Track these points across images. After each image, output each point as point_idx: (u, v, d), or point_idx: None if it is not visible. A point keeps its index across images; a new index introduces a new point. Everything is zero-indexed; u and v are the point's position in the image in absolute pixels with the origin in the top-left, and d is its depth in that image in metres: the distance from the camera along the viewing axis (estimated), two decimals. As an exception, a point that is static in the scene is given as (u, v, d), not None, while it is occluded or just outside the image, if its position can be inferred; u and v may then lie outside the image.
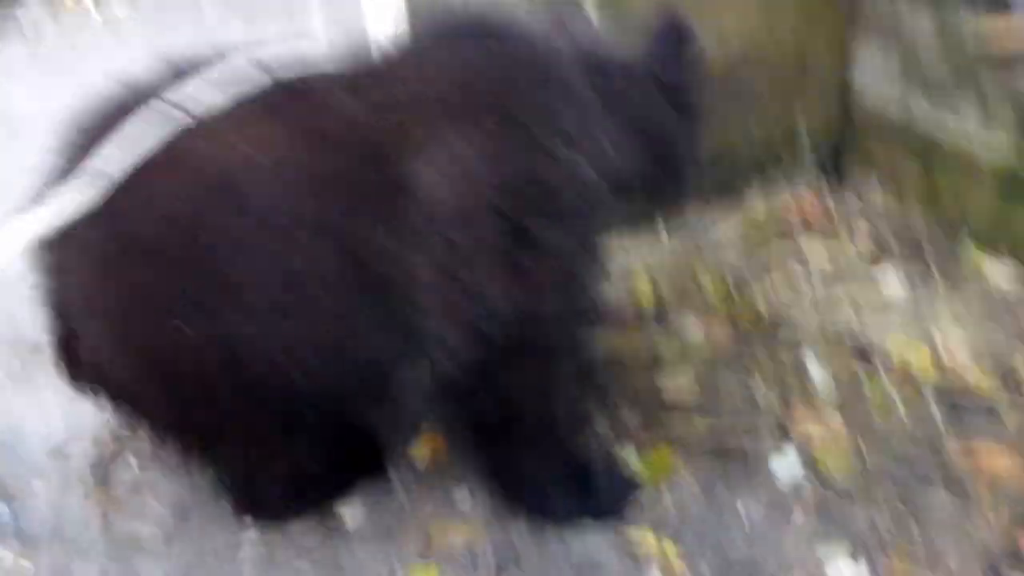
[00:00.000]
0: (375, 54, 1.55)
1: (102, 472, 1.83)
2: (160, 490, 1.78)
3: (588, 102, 1.53)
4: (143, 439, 1.85)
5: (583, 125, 1.49)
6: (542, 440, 1.61)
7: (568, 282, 1.50)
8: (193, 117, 1.35)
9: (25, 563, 1.66)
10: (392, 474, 1.78)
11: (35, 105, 3.60)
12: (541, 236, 1.42)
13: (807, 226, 2.38)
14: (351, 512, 1.72)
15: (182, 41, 4.08)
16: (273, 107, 1.39)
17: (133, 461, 1.84)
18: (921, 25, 2.23)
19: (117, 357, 1.43)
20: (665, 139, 1.69)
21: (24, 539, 1.70)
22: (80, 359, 1.51)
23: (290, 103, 1.40)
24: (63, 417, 1.95)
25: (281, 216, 1.32)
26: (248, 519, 1.70)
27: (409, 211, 1.35)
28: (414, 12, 3.18)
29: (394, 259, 1.36)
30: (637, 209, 2.13)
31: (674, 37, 1.75)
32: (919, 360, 1.94)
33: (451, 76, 1.45)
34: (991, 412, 1.82)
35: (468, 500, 1.72)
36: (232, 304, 1.33)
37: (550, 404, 1.59)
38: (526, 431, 1.58)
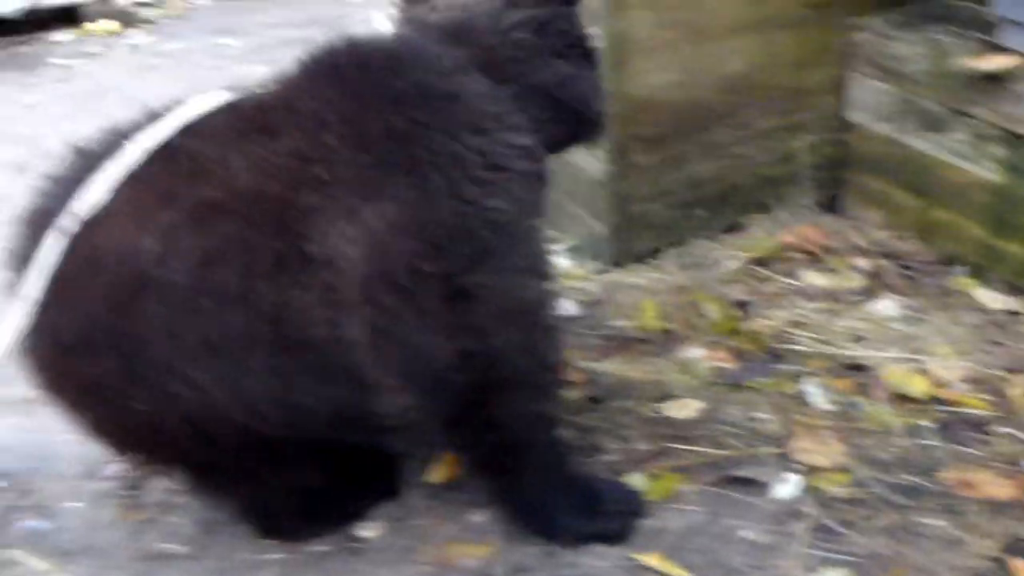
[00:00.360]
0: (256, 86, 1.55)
1: (132, 491, 1.91)
2: (187, 508, 1.85)
3: (489, 112, 1.50)
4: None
5: (490, 149, 1.47)
6: (542, 464, 1.65)
7: (512, 311, 1.48)
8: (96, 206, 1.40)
9: (61, 576, 1.74)
10: (409, 493, 1.85)
11: (65, 138, 3.71)
12: (467, 282, 1.42)
13: (807, 257, 2.46)
14: (369, 531, 1.79)
15: (204, 75, 4.23)
16: (164, 183, 1.40)
17: (163, 482, 1.91)
18: (914, 58, 2.32)
19: (106, 434, 1.56)
20: (575, 96, 1.67)
21: (60, 553, 1.78)
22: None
23: (178, 174, 1.41)
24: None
25: (198, 295, 1.37)
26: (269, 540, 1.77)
27: (327, 278, 1.38)
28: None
29: (320, 321, 1.40)
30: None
31: None
32: (915, 386, 2.00)
33: (340, 127, 1.42)
34: (985, 437, 1.89)
35: (483, 519, 1.79)
36: (176, 378, 1.40)
37: (541, 428, 1.62)
38: (523, 456, 1.61)
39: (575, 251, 2.59)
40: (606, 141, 2.21)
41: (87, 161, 1.49)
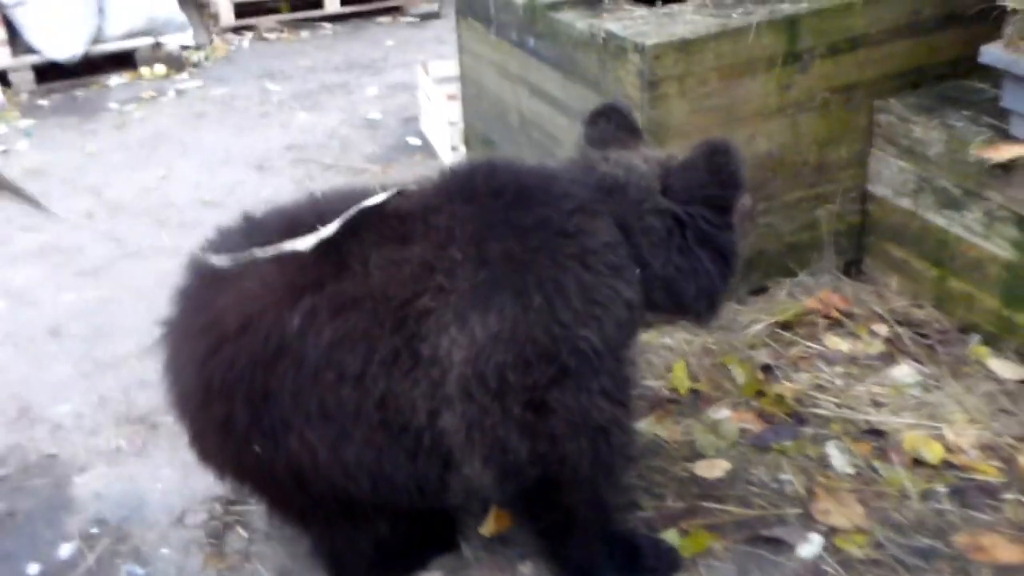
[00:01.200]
0: (400, 189, 1.74)
1: (217, 540, 2.09)
2: (267, 557, 2.03)
3: (603, 256, 1.65)
4: (250, 511, 2.13)
5: (593, 285, 1.63)
6: (590, 527, 1.82)
7: (583, 427, 1.64)
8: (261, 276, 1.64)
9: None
10: (464, 545, 2.02)
11: (127, 187, 3.93)
12: (547, 396, 1.60)
13: (831, 323, 2.60)
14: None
15: (251, 122, 4.42)
16: (315, 272, 1.62)
17: (243, 532, 2.10)
18: (932, 142, 2.48)
19: (218, 462, 1.78)
20: (684, 291, 1.80)
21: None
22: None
23: (327, 265, 1.62)
24: (179, 489, 2.24)
25: (327, 371, 1.59)
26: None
27: (433, 375, 1.59)
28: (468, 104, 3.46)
29: (421, 410, 1.61)
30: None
31: (716, 164, 1.75)
32: (931, 452, 2.14)
33: (466, 244, 1.61)
34: (995, 503, 2.02)
35: (532, 570, 1.95)
36: (292, 433, 1.62)
37: (594, 501, 1.78)
38: (574, 522, 1.79)
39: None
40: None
41: (256, 230, 1.73)
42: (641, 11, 2.54)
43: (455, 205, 1.66)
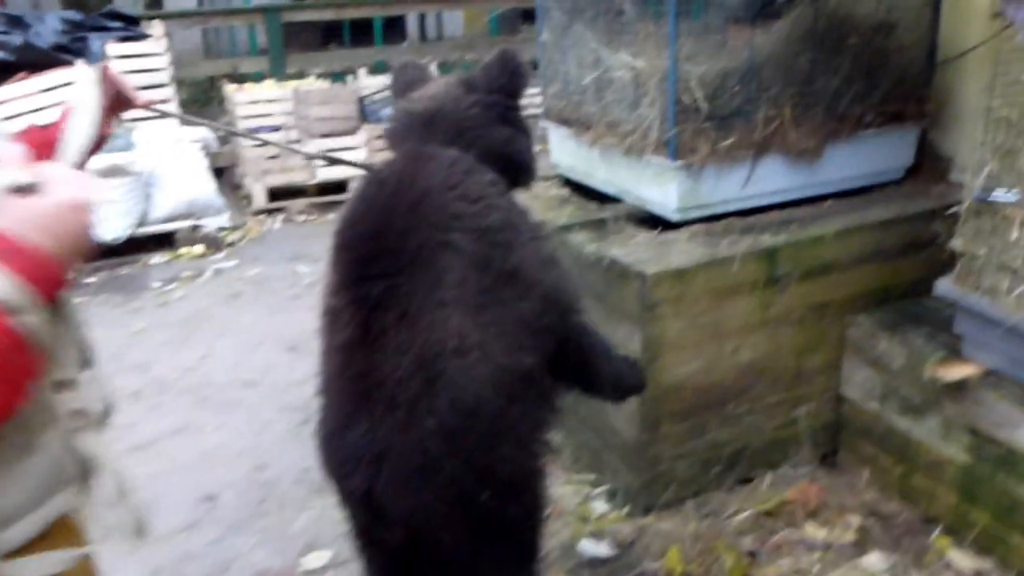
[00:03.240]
0: None
1: None
2: None
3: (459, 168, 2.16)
4: None
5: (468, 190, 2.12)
6: None
7: (547, 260, 2.22)
8: None
9: None
10: None
11: (170, 366, 4.26)
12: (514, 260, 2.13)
13: (809, 512, 2.90)
14: None
15: (282, 303, 4.76)
16: None
17: None
18: (895, 355, 2.84)
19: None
20: (515, 151, 2.33)
21: None
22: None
23: None
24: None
25: None
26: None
27: None
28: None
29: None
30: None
31: (505, 66, 2.34)
32: (899, 638, 2.42)
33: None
34: None
35: None
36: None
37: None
38: None
39: (611, 495, 3.04)
40: (641, 413, 2.73)
41: None
42: (641, 236, 2.95)
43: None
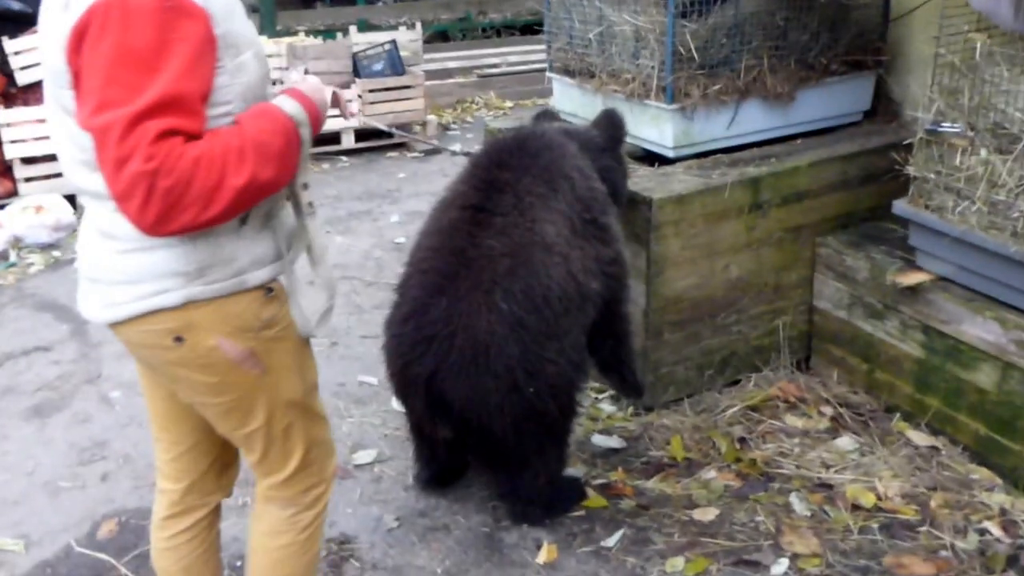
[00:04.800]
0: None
1: (336, 570, 2.75)
2: (376, 582, 2.71)
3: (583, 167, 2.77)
4: (360, 547, 2.80)
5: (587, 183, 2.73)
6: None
7: (621, 240, 2.86)
8: None
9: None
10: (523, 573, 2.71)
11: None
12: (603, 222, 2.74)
13: (789, 406, 3.39)
14: (502, 596, 2.65)
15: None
16: None
17: (356, 563, 2.76)
18: (859, 269, 3.32)
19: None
20: (612, 179, 2.92)
21: None
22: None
23: None
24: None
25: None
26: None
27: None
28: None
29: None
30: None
31: (613, 121, 3.04)
32: (866, 499, 2.88)
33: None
34: (914, 534, 2.76)
35: (578, 588, 2.65)
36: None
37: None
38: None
39: (617, 399, 3.50)
40: (645, 324, 3.19)
41: None
42: (644, 170, 3.38)
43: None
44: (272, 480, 2.00)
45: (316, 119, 1.76)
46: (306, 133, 1.73)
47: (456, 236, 2.53)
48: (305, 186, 1.85)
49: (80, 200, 1.80)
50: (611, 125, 3.05)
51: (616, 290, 2.78)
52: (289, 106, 1.70)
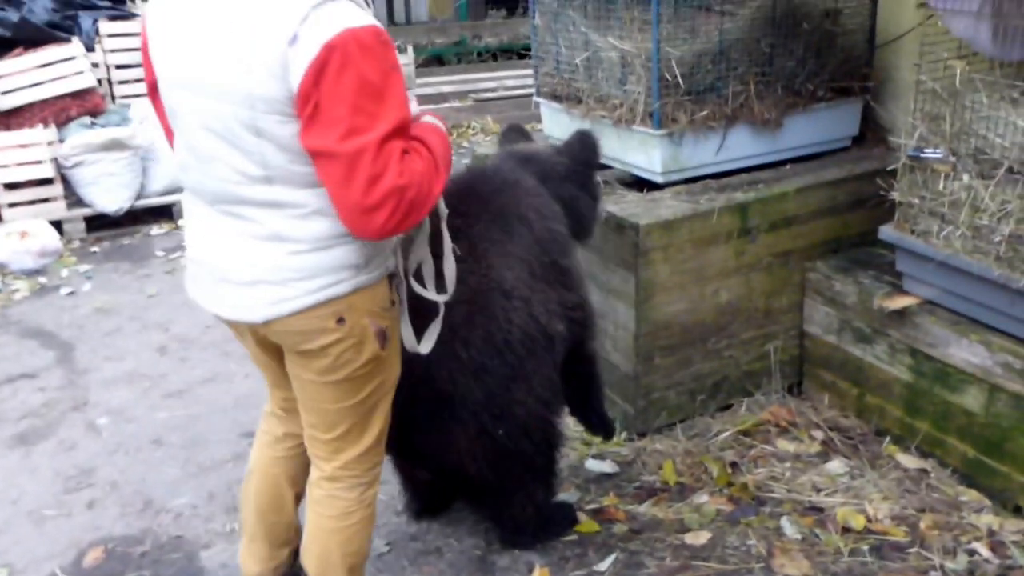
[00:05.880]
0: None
1: None
2: None
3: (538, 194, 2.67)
4: None
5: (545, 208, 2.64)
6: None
7: (583, 279, 2.77)
8: None
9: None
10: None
11: (190, 324, 4.58)
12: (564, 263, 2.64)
13: (780, 430, 3.40)
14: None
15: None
16: None
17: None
18: (848, 293, 3.34)
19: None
20: (577, 209, 2.81)
21: None
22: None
23: None
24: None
25: None
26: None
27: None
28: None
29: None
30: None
31: (584, 144, 2.89)
32: (856, 521, 2.88)
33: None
34: (904, 556, 2.76)
35: (571, 614, 2.65)
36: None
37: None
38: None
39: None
40: (636, 348, 3.20)
41: None
42: (632, 196, 3.41)
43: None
44: (345, 457, 2.21)
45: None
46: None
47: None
48: None
49: (229, 209, 1.97)
50: (582, 148, 2.90)
51: (580, 333, 2.71)
52: (441, 124, 2.05)
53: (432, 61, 10.73)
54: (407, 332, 2.18)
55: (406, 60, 7.27)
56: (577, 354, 2.72)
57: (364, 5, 1.85)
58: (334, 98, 1.74)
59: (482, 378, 2.43)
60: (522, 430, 2.53)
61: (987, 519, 2.88)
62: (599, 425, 2.99)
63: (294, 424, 2.38)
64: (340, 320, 1.99)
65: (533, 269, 2.50)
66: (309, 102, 1.75)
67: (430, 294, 2.20)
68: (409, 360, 2.30)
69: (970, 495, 3.00)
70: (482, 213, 2.51)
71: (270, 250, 1.94)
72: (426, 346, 2.20)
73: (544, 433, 2.63)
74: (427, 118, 2.03)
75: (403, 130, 1.82)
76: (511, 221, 2.51)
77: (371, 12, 1.85)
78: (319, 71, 1.72)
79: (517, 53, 10.75)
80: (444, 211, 2.19)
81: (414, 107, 1.99)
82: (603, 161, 3.10)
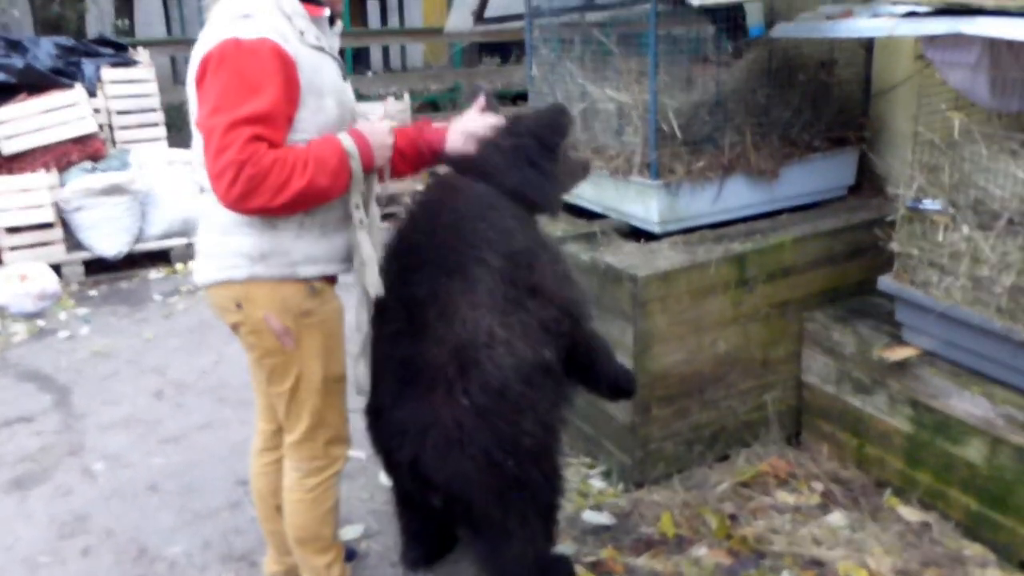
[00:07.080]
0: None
1: None
2: None
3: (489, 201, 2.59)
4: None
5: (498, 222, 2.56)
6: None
7: (567, 276, 2.70)
8: None
9: None
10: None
11: (186, 369, 4.58)
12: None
13: (779, 482, 3.37)
14: None
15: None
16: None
17: None
18: (847, 344, 3.33)
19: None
20: (533, 192, 2.68)
21: None
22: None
23: None
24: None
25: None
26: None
27: None
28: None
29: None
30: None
31: (552, 121, 2.74)
32: (859, 576, 2.89)
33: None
34: (906, 613, 2.76)
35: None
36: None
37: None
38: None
39: (606, 475, 3.48)
40: (632, 399, 3.17)
41: None
42: (629, 246, 3.41)
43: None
44: (289, 439, 2.55)
45: (367, 155, 2.31)
46: (355, 165, 2.28)
47: (399, 350, 2.52)
48: (357, 206, 2.36)
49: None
50: (545, 122, 2.74)
51: (570, 334, 2.68)
52: (346, 140, 2.28)
53: (427, 107, 10.81)
54: (360, 369, 2.52)
55: (402, 106, 7.31)
56: (574, 345, 2.72)
57: (288, 25, 2.22)
58: (212, 84, 2.15)
59: (488, 418, 2.45)
60: (531, 459, 2.54)
61: (992, 574, 2.84)
62: (613, 390, 2.94)
63: (270, 440, 2.73)
64: (238, 305, 2.33)
65: (505, 308, 2.49)
66: (200, 87, 2.20)
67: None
68: (415, 407, 2.44)
69: (974, 549, 2.96)
70: (439, 271, 2.48)
71: (203, 227, 2.37)
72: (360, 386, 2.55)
73: (550, 462, 2.65)
74: (342, 134, 2.30)
75: (260, 121, 2.10)
76: (469, 268, 2.49)
77: (295, 30, 2.24)
78: (207, 62, 2.17)
79: (511, 99, 10.83)
80: (357, 218, 2.39)
81: (372, 119, 2.44)
82: (601, 211, 3.02)
